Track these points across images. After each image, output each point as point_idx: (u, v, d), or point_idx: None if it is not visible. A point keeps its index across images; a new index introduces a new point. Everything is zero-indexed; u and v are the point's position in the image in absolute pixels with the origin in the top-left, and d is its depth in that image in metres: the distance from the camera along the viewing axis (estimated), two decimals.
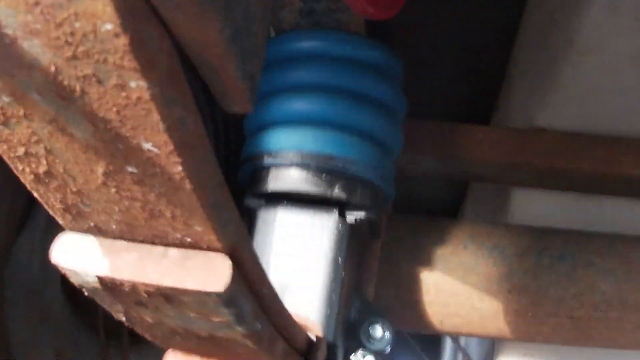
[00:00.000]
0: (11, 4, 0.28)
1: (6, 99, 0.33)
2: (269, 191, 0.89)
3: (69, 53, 0.30)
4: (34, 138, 0.35)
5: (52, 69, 0.31)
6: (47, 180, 0.38)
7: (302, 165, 0.87)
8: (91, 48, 0.30)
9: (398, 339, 0.94)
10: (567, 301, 1.04)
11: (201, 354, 0.59)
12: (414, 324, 1.11)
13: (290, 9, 0.89)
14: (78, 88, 0.31)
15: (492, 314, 1.06)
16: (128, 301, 0.45)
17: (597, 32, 1.05)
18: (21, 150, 0.36)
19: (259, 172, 0.91)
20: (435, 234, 1.08)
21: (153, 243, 0.43)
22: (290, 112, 0.89)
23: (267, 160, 0.89)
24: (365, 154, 0.89)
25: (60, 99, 0.32)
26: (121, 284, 0.42)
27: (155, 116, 0.32)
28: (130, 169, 0.36)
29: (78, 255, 0.42)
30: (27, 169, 0.37)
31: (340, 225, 0.89)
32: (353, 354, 0.92)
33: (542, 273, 1.05)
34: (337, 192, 0.87)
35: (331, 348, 0.87)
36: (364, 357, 0.91)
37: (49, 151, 0.36)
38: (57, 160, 0.36)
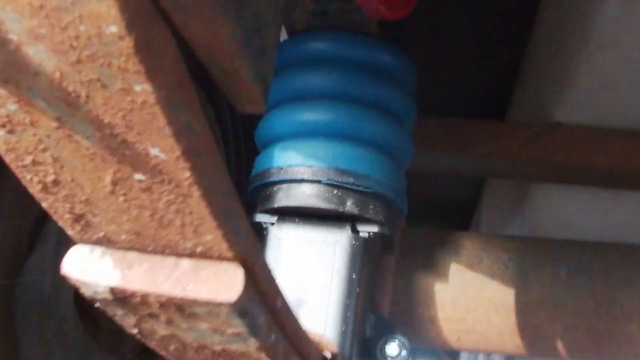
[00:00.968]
0: (17, 8, 0.28)
1: (12, 106, 0.33)
2: (280, 207, 0.88)
3: (74, 57, 0.30)
4: (41, 146, 0.35)
5: (57, 74, 0.31)
6: (55, 190, 0.37)
7: (313, 181, 0.86)
8: (96, 52, 0.30)
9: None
10: (586, 314, 1.03)
11: None
12: (430, 340, 1.09)
13: (302, 10, 0.89)
14: (83, 93, 0.31)
15: (510, 330, 1.04)
16: (140, 313, 0.44)
17: (612, 28, 1.05)
18: (28, 159, 0.36)
19: (270, 188, 0.90)
20: (450, 247, 1.07)
21: (164, 254, 0.42)
22: (299, 124, 0.88)
23: (277, 175, 0.88)
24: (378, 168, 0.87)
25: (66, 105, 0.32)
26: (133, 294, 0.42)
27: (162, 120, 0.32)
28: (137, 176, 0.36)
29: (88, 266, 0.42)
30: (35, 179, 0.37)
31: (354, 240, 0.87)
32: None
33: (559, 285, 1.04)
34: (349, 207, 0.86)
35: None
36: None
37: (56, 159, 0.35)
38: (65, 169, 0.36)
